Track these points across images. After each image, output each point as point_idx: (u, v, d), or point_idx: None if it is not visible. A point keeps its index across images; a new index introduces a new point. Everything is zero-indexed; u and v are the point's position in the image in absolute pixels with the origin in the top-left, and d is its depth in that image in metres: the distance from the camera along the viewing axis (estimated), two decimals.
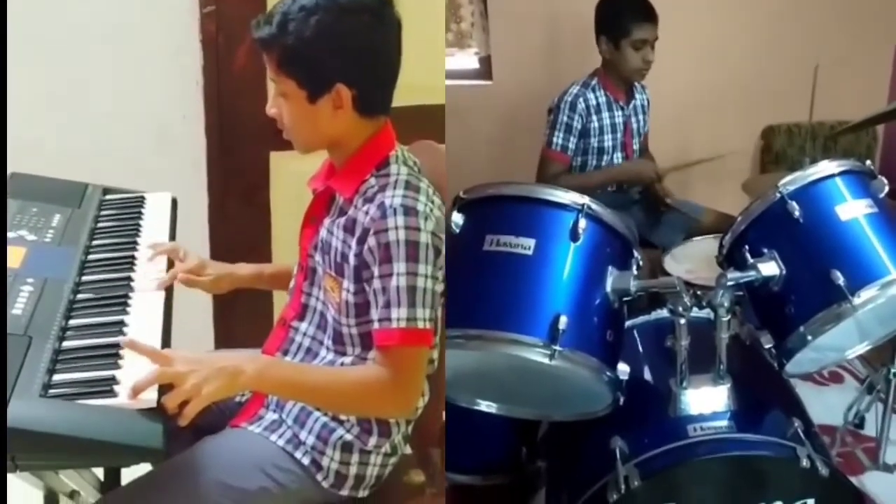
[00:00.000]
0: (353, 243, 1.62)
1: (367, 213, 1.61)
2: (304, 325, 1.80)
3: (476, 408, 1.90)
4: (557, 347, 1.62)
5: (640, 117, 3.09)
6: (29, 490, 1.93)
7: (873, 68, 3.99)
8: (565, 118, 2.88)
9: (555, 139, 2.89)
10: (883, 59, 4.02)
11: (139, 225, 2.06)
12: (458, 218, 1.76)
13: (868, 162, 1.92)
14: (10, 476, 1.45)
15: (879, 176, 1.90)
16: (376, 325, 1.59)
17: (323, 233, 1.72)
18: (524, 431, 2.13)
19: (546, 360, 1.63)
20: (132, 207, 2.14)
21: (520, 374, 1.74)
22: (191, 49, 2.68)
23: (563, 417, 1.95)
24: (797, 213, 1.79)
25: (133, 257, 1.89)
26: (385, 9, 1.63)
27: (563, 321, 1.64)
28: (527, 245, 1.70)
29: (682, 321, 1.76)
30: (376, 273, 1.58)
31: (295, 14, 1.58)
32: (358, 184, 1.66)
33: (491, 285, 1.70)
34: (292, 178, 2.27)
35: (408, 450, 1.85)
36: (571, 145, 2.90)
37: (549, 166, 2.91)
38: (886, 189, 1.89)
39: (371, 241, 1.58)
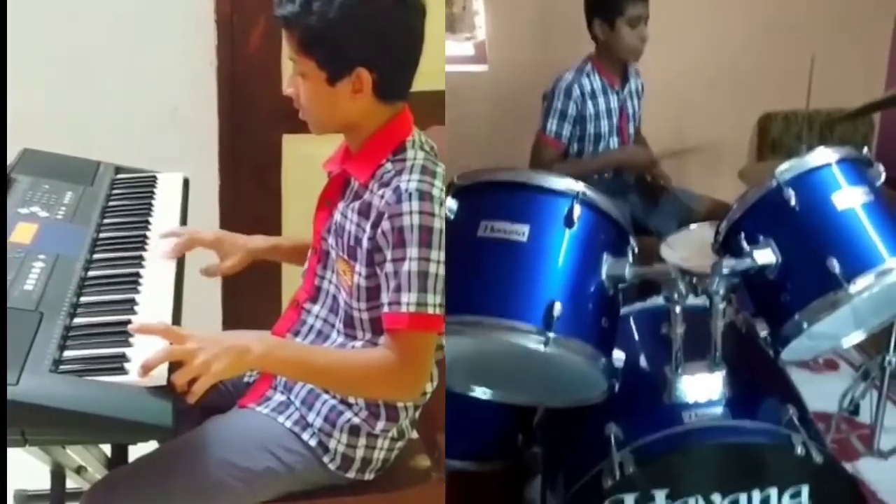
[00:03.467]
0: (368, 227, 1.62)
1: (382, 196, 1.61)
2: (316, 308, 1.81)
3: (471, 394, 1.90)
4: (552, 334, 1.62)
5: (635, 102, 3.08)
6: (36, 464, 1.95)
7: (870, 56, 3.98)
8: (559, 104, 2.88)
9: (549, 125, 2.89)
10: (880, 47, 4.01)
11: (151, 204, 2.07)
12: (452, 204, 1.75)
13: (865, 150, 1.91)
14: (18, 450, 1.46)
15: (876, 164, 1.89)
16: (386, 309, 1.59)
17: (337, 216, 1.72)
18: (520, 417, 2.12)
19: (540, 347, 1.63)
20: (144, 187, 2.15)
21: (514, 360, 1.74)
22: (205, 29, 2.69)
23: (559, 404, 1.95)
24: (793, 201, 1.79)
25: (144, 236, 1.90)
26: None
27: (558, 308, 1.63)
28: (521, 231, 1.70)
29: (678, 308, 1.75)
30: (389, 257, 1.59)
31: None
32: (374, 168, 1.66)
33: (485, 272, 1.69)
34: (304, 160, 2.26)
35: (414, 434, 1.86)
36: (566, 132, 2.90)
37: (544, 152, 2.91)
38: (883, 177, 1.88)
39: (385, 224, 1.58)
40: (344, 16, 1.56)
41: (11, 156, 2.08)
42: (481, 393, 1.90)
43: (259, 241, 1.99)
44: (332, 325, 1.77)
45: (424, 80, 1.70)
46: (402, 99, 1.69)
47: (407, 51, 1.65)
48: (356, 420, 1.73)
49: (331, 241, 1.75)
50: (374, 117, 1.67)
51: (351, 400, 1.73)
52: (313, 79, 1.62)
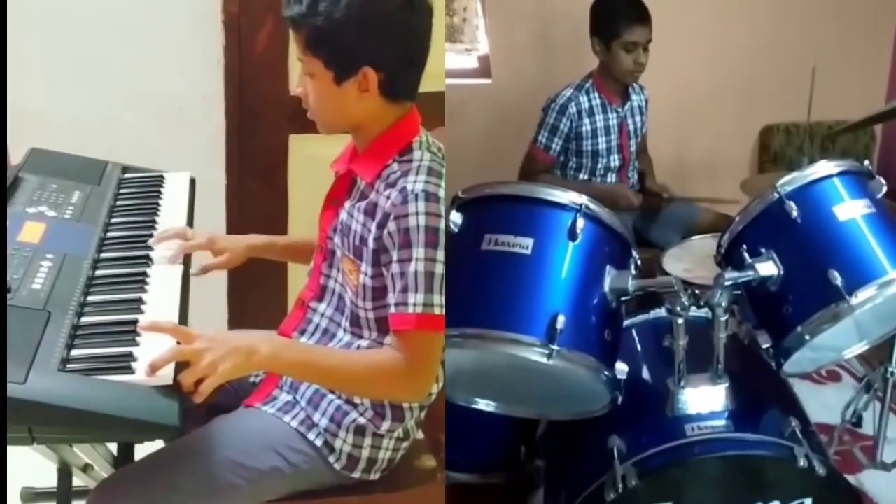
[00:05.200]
0: (373, 227, 1.63)
1: (388, 197, 1.61)
2: (322, 307, 1.81)
3: (474, 406, 1.90)
4: (555, 347, 1.62)
5: (637, 118, 3.09)
6: (43, 462, 1.96)
7: (871, 68, 3.99)
8: (552, 120, 2.91)
9: (540, 137, 2.94)
10: (881, 59, 4.02)
11: (158, 204, 2.08)
12: (456, 217, 1.76)
13: (866, 162, 1.92)
14: (25, 448, 1.47)
15: (877, 176, 1.90)
16: (393, 310, 1.60)
17: (343, 215, 1.73)
18: (523, 430, 2.13)
19: (544, 360, 1.63)
20: (151, 186, 2.16)
21: (518, 373, 1.74)
22: (212, 29, 2.71)
23: (562, 416, 1.95)
24: (795, 213, 1.79)
25: (151, 236, 1.91)
26: None
27: (561, 321, 1.64)
28: (525, 244, 1.70)
29: (680, 321, 1.75)
30: (395, 258, 1.59)
31: None
32: (380, 168, 1.67)
33: (489, 285, 1.69)
34: (310, 160, 2.25)
35: (420, 435, 1.86)
36: (555, 146, 2.93)
37: (532, 163, 2.96)
38: (884, 189, 1.89)
39: (391, 225, 1.59)
40: (350, 16, 1.57)
41: (18, 155, 2.10)
42: (484, 405, 1.90)
43: (254, 239, 2.01)
44: (339, 324, 1.77)
45: (426, 81, 1.71)
46: (409, 99, 1.70)
47: (413, 51, 1.66)
48: (362, 420, 1.73)
49: (336, 240, 1.75)
50: (381, 117, 1.68)
51: (356, 400, 1.73)
52: (321, 78, 1.64)
